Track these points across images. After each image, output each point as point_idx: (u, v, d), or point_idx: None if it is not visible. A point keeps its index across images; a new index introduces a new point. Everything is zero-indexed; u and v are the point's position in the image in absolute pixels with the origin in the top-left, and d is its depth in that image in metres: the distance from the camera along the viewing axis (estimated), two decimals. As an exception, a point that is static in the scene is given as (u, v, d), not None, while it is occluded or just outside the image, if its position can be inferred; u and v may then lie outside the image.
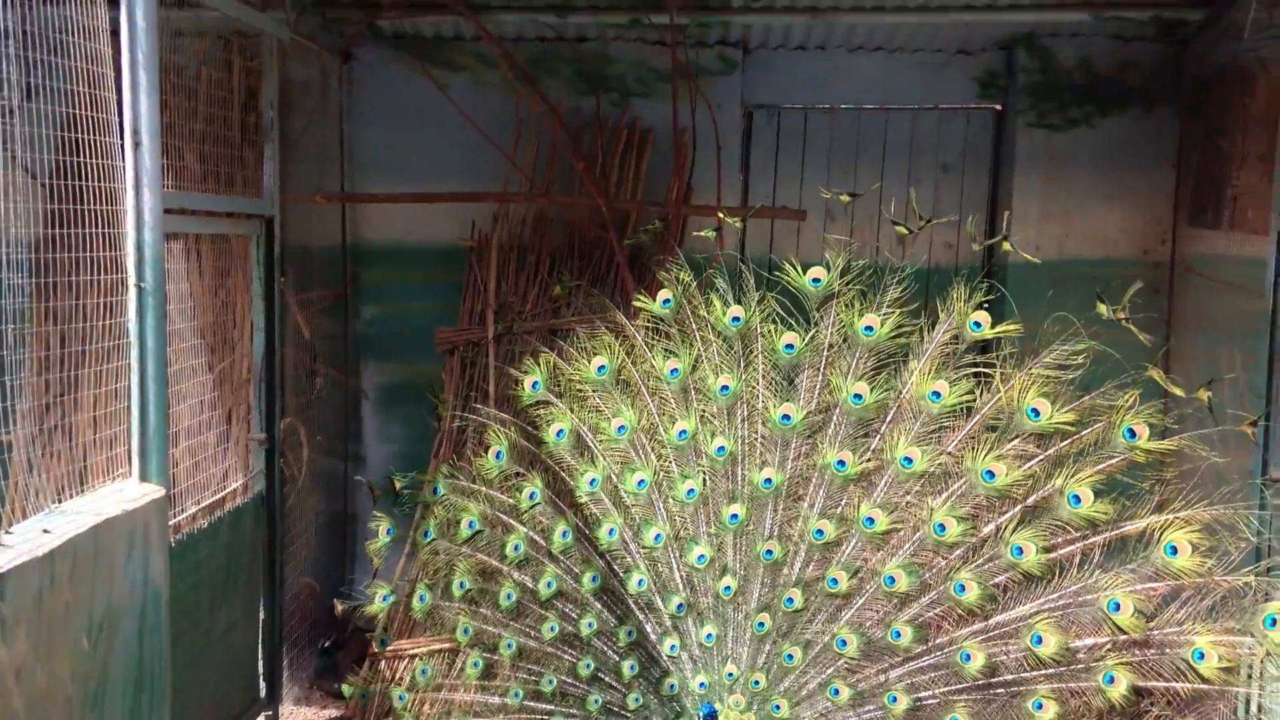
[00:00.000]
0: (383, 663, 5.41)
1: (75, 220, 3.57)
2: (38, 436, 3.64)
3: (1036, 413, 4.14)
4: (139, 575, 3.86)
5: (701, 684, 4.46)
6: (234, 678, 5.20)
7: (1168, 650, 3.94)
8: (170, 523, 4.27)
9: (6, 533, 3.33)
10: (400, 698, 5.02)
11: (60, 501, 3.68)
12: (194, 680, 4.61)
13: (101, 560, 3.59)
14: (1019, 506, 4.14)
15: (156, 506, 3.99)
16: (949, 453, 4.25)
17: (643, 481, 4.63)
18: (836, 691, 4.24)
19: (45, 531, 3.39)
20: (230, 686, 5.15)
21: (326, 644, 6.15)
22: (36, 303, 3.59)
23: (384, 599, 5.09)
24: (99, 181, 3.67)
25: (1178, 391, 4.32)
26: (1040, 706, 3.99)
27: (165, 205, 3.99)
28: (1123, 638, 3.96)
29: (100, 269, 3.72)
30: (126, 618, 3.79)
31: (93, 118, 3.60)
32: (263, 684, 5.52)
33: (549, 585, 4.70)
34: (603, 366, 4.80)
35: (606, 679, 4.62)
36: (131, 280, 3.88)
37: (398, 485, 5.46)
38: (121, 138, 3.76)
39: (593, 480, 4.72)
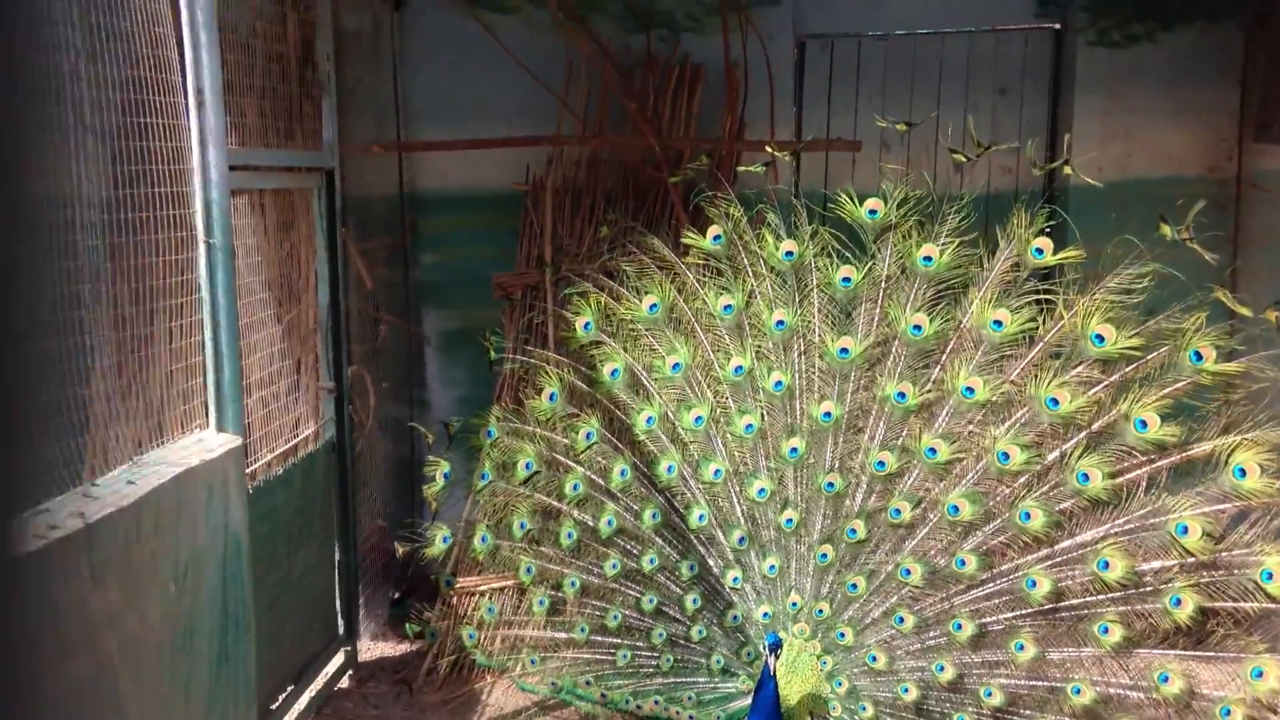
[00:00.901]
0: (453, 600, 5.56)
1: (143, 180, 3.66)
2: (117, 391, 3.76)
3: (1101, 338, 4.10)
4: (220, 522, 4.00)
5: (765, 614, 4.53)
6: (313, 617, 5.38)
7: (1235, 571, 3.94)
8: (247, 470, 4.40)
9: (93, 485, 3.47)
10: (470, 635, 5.16)
11: (141, 453, 3.82)
12: (275, 621, 4.79)
13: (184, 509, 3.73)
14: (1084, 433, 4.12)
15: (234, 455, 4.12)
16: (1012, 381, 4.23)
17: (700, 418, 4.68)
18: (901, 619, 4.29)
19: (130, 483, 3.52)
20: (310, 626, 5.33)
21: (396, 595, 6.28)
22: (109, 261, 3.69)
23: (443, 540, 5.17)
24: (165, 141, 3.75)
25: (1245, 311, 4.25)
26: (1106, 630, 4.02)
27: (230, 162, 4.06)
28: (1190, 560, 3.95)
29: (170, 226, 3.81)
30: (210, 563, 3.94)
31: (155, 78, 3.67)
32: (341, 622, 5.71)
33: (609, 523, 4.78)
34: (655, 304, 4.82)
35: (670, 612, 4.71)
36: (201, 237, 3.98)
37: (452, 430, 5.54)
38: (185, 97, 3.83)
39: (649, 418, 4.77)
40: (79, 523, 3.17)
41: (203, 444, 4.04)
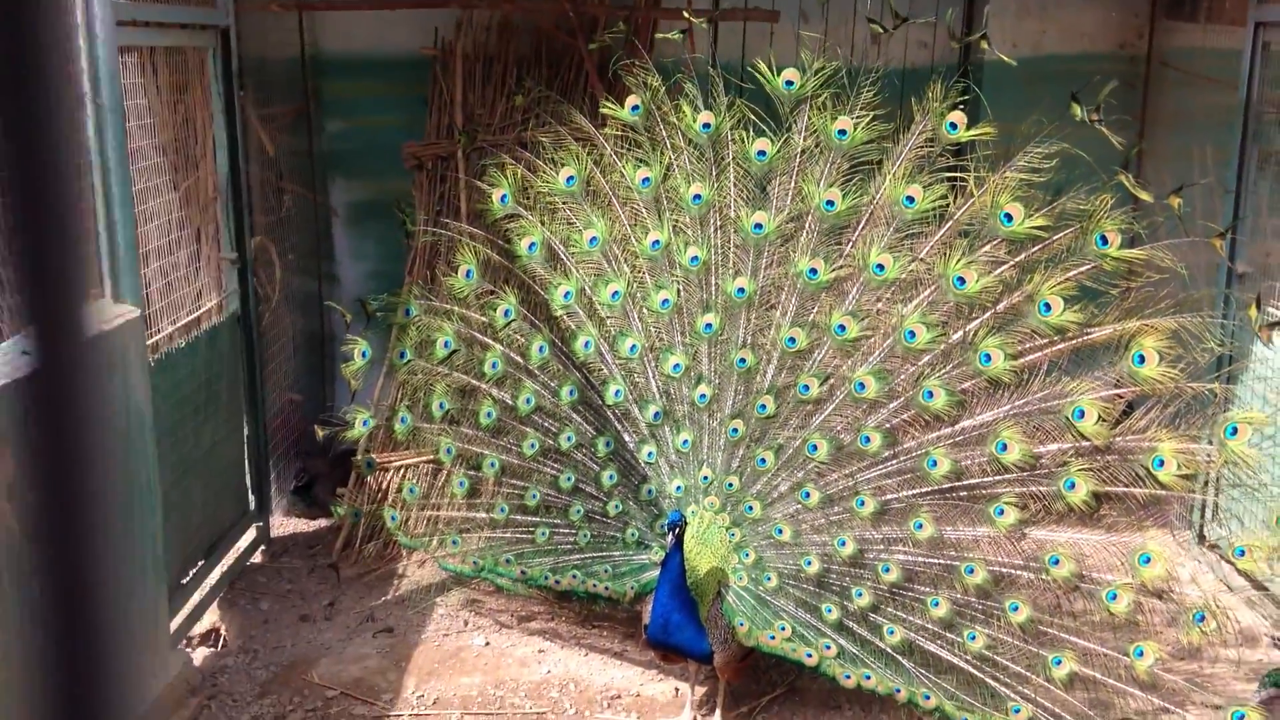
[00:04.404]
0: (370, 481, 5.54)
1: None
2: (5, 259, 3.59)
3: (1010, 217, 4.14)
4: (121, 395, 3.90)
5: (678, 488, 4.60)
6: (223, 492, 5.32)
7: (1129, 457, 4.04)
8: (148, 343, 4.28)
9: (-17, 358, 3.34)
10: (393, 517, 5.14)
11: (34, 325, 3.67)
12: (183, 497, 4.72)
13: (81, 382, 3.61)
14: (989, 313, 4.18)
15: (133, 326, 4.00)
16: (921, 259, 4.27)
17: (617, 293, 4.66)
18: (807, 494, 4.38)
19: (25, 353, 3.40)
20: (220, 501, 5.28)
21: (299, 484, 6.14)
22: (-11, 123, 3.48)
23: (364, 423, 5.10)
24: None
25: (1145, 196, 4.32)
26: (1002, 512, 4.13)
27: (117, 16, 3.84)
28: (1085, 444, 4.05)
29: (53, 86, 3.59)
30: (112, 437, 3.84)
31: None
32: (251, 497, 5.66)
33: (528, 401, 4.78)
34: (571, 177, 4.75)
35: (588, 489, 4.76)
36: (87, 96, 3.77)
37: (370, 309, 5.44)
38: (62, -55, 3.58)
39: (567, 293, 4.74)
40: (-31, 398, 3.06)
41: (99, 315, 3.91)
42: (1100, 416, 4.00)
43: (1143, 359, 3.99)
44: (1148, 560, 4.02)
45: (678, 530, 4.13)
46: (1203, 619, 4.00)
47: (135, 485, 4.02)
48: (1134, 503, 4.05)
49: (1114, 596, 4.03)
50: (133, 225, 4.10)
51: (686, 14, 5.27)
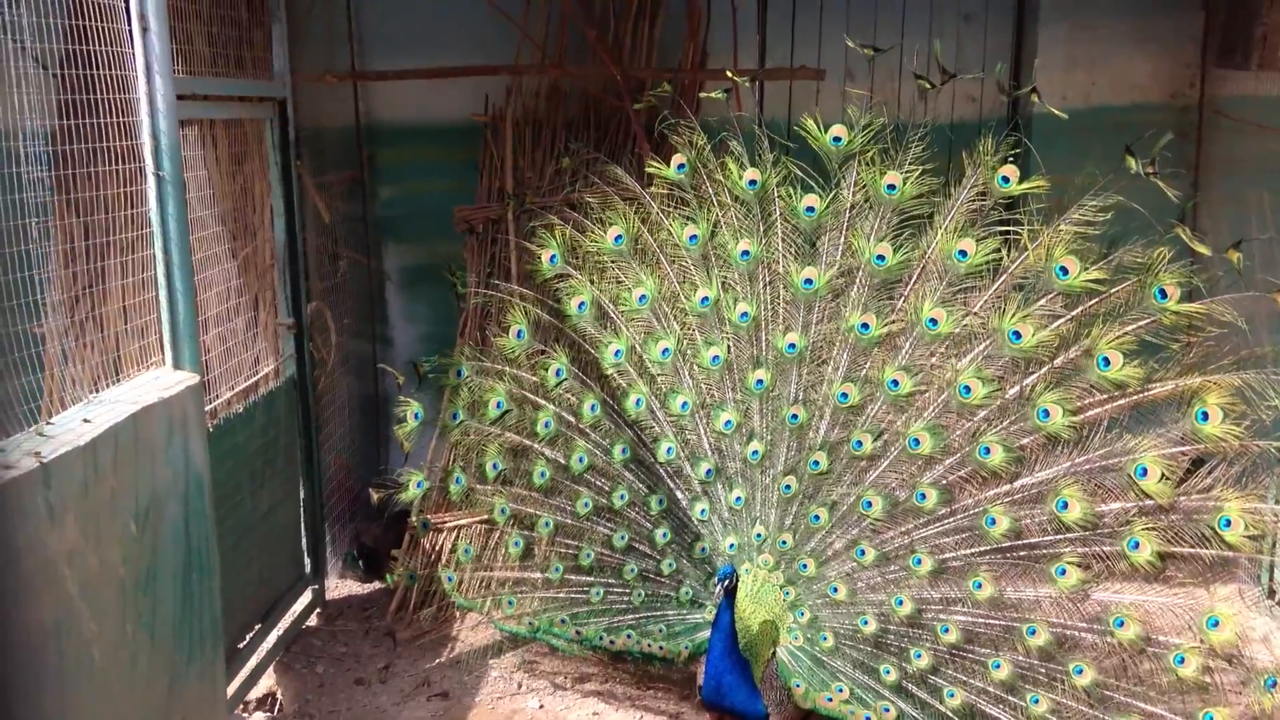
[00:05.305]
0: (425, 544, 5.56)
1: (89, 110, 3.54)
2: (70, 328, 3.68)
3: (1065, 271, 4.09)
4: (180, 460, 3.95)
5: (731, 545, 4.56)
6: (279, 556, 5.36)
7: (1195, 516, 3.93)
8: (206, 408, 4.34)
9: (48, 423, 3.40)
10: (449, 578, 5.14)
11: (97, 391, 3.75)
12: (240, 560, 4.76)
13: (143, 447, 3.67)
14: (1046, 368, 4.12)
15: (192, 393, 4.06)
16: (975, 313, 4.23)
17: (667, 350, 4.66)
18: (862, 552, 4.32)
19: (85, 421, 3.46)
20: (276, 564, 5.31)
21: (355, 552, 6.19)
22: (57, 195, 3.59)
23: (418, 485, 5.14)
24: (110, 69, 3.63)
25: (1204, 250, 4.24)
26: (1063, 572, 4.03)
27: (177, 91, 3.95)
28: (1148, 503, 3.95)
29: (118, 159, 3.70)
30: (171, 502, 3.89)
31: (99, 3, 3.53)
32: (307, 560, 5.69)
33: (581, 460, 4.78)
34: (619, 236, 4.78)
35: (641, 547, 4.73)
36: (150, 169, 3.87)
37: (422, 370, 5.49)
38: (129, 22, 3.70)
39: (617, 351, 4.76)
40: (34, 462, 3.11)
41: (160, 381, 3.98)
42: (1164, 474, 3.91)
43: (1206, 416, 3.90)
44: (1216, 624, 3.89)
45: (727, 584, 4.09)
46: (1275, 684, 3.86)
47: (194, 551, 4.05)
48: (1200, 563, 3.93)
49: (1182, 660, 3.90)
50: (192, 294, 4.18)
51: (731, 74, 5.32)
